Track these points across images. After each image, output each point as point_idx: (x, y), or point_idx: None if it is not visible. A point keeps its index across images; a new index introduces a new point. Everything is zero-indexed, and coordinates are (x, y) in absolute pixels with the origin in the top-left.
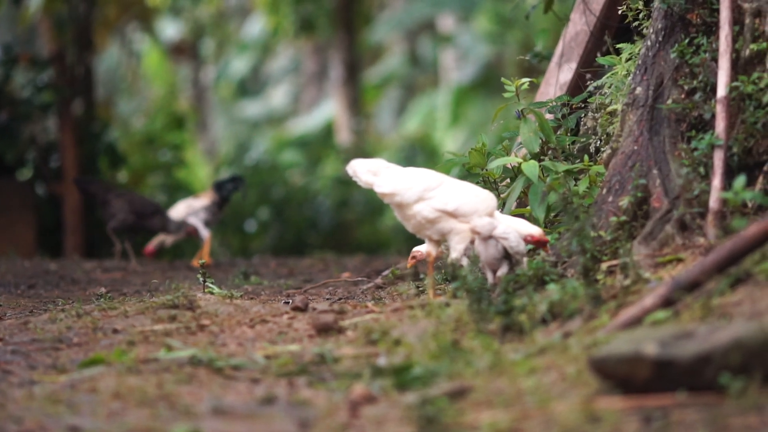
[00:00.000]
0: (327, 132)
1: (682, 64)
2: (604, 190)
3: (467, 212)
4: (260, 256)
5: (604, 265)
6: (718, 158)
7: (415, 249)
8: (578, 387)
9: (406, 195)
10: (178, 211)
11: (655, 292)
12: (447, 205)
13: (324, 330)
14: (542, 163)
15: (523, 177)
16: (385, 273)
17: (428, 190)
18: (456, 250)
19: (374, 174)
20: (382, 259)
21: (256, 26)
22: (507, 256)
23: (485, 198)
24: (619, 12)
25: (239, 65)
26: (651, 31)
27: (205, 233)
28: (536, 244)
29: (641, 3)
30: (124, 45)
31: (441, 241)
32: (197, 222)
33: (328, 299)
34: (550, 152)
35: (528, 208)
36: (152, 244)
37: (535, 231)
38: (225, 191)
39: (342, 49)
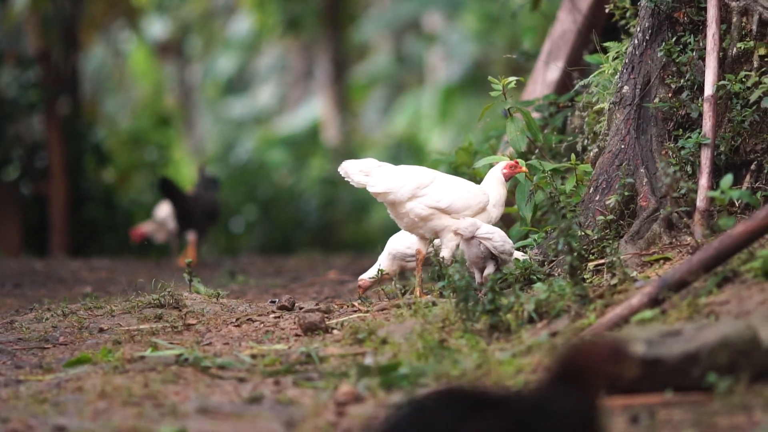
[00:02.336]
0: (314, 131)
1: (669, 63)
2: (591, 189)
3: (460, 208)
4: (247, 255)
5: (591, 264)
6: (705, 157)
7: (361, 277)
8: None
9: (399, 193)
10: (164, 209)
11: (642, 291)
12: (439, 202)
13: (310, 329)
14: (529, 161)
15: None
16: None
17: (421, 188)
18: (447, 247)
19: (366, 174)
20: (369, 258)
21: (242, 25)
22: (493, 255)
23: (477, 193)
24: (606, 10)
25: (226, 64)
26: (638, 29)
27: (192, 234)
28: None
29: (628, 1)
30: (110, 43)
31: (431, 239)
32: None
33: (314, 298)
34: (537, 151)
35: (515, 207)
36: (144, 228)
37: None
38: (208, 189)
39: (328, 48)
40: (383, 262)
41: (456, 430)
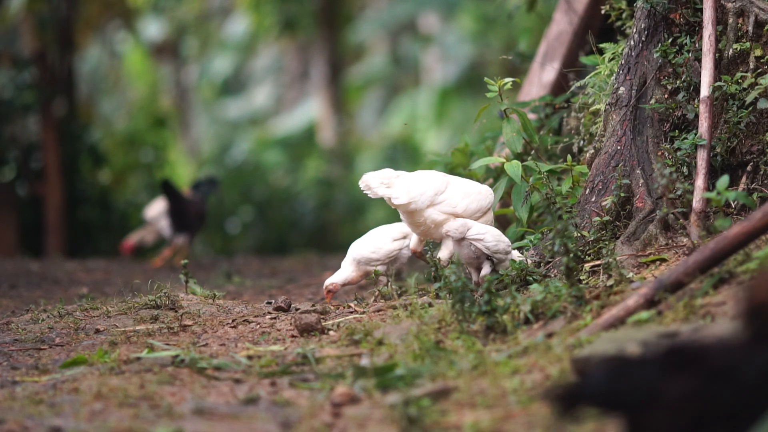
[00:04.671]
0: (309, 132)
1: (665, 64)
2: (587, 190)
3: (474, 211)
4: (243, 256)
5: (587, 265)
6: (702, 158)
7: (328, 282)
8: None
9: (420, 201)
10: (156, 209)
11: (638, 292)
12: (456, 207)
13: (307, 330)
14: (525, 163)
15: (506, 177)
16: None
17: (438, 194)
18: (447, 248)
19: (387, 186)
20: None
21: (238, 26)
22: (488, 255)
23: (486, 194)
24: (602, 11)
25: (221, 65)
26: (634, 30)
27: (177, 237)
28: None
29: (624, 2)
30: (105, 44)
31: (425, 239)
32: (168, 224)
33: (310, 299)
34: (533, 152)
35: (511, 208)
36: (132, 240)
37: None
38: (202, 192)
39: (324, 49)
40: (347, 268)
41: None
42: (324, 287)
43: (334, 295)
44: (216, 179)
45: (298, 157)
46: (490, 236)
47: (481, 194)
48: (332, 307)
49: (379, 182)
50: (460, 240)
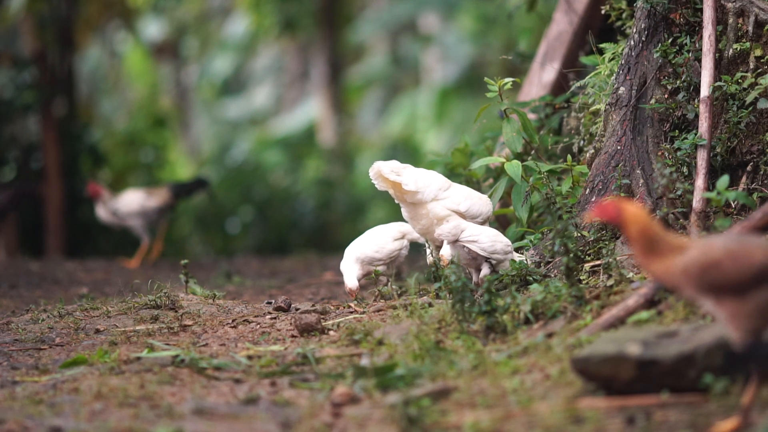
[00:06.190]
0: (309, 132)
1: (666, 64)
2: (587, 190)
3: (475, 214)
4: (243, 256)
5: (587, 265)
6: (702, 158)
7: (352, 285)
8: (561, 387)
9: (426, 193)
10: (130, 201)
11: (638, 292)
12: (459, 205)
13: (307, 330)
14: (525, 163)
15: (506, 177)
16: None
17: (442, 190)
18: (448, 247)
19: (397, 174)
20: None
21: (238, 26)
22: (486, 257)
23: (486, 202)
24: (602, 11)
25: (221, 65)
26: (634, 30)
27: (146, 237)
28: None
29: (624, 2)
30: (106, 44)
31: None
32: (140, 224)
33: (310, 299)
34: (533, 152)
35: (511, 208)
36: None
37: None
38: (180, 194)
39: (324, 49)
40: (353, 266)
41: None
42: (349, 291)
43: (333, 296)
44: (204, 180)
45: (298, 157)
46: (485, 237)
47: (482, 200)
48: (332, 307)
49: (389, 170)
50: (454, 242)
